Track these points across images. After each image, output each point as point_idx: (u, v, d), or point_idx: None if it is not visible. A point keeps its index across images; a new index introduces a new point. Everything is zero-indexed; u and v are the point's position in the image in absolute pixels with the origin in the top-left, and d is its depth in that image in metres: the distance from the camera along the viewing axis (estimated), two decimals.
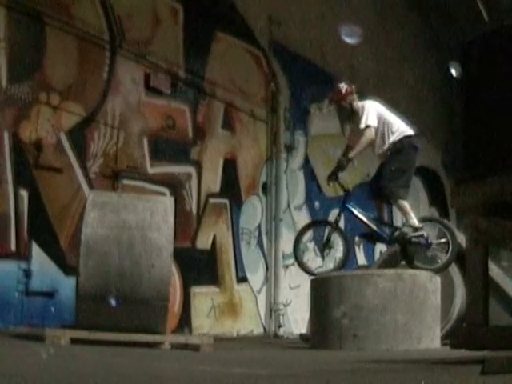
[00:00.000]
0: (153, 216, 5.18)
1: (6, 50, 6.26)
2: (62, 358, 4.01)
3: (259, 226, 9.20)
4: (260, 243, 9.15)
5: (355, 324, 5.67)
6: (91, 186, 6.77)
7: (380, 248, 11.37)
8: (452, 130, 12.61)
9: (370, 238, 7.03)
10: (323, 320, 5.93)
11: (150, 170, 7.57)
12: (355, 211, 6.58)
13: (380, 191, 6.42)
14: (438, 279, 6.04)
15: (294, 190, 9.85)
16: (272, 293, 9.11)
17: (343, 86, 6.71)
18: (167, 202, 5.52)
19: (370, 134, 6.39)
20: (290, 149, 9.75)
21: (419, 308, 5.76)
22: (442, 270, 6.44)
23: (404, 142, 6.48)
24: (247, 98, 9.16)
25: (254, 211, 9.15)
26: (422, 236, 6.40)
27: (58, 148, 6.67)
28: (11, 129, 6.25)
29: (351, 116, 6.66)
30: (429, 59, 13.09)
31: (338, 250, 8.54)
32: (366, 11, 11.41)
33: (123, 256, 4.99)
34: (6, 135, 6.21)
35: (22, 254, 6.22)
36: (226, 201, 8.69)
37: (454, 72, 11.41)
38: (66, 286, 6.27)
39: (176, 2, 8.21)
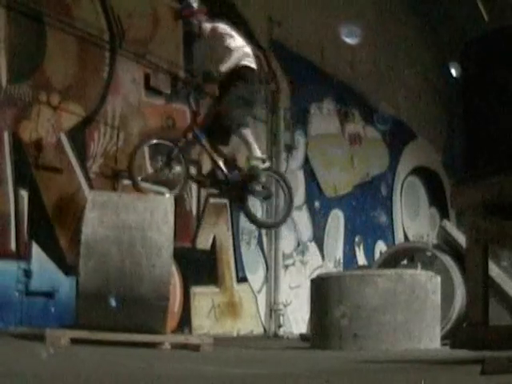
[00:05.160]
0: (153, 216, 5.18)
1: (6, 50, 6.26)
2: (62, 358, 4.01)
3: None
4: (260, 243, 9.14)
5: (355, 324, 5.67)
6: (91, 186, 6.76)
7: (380, 248, 11.39)
8: (452, 130, 12.62)
9: (212, 179, 6.62)
10: (323, 320, 5.93)
11: (150, 170, 7.57)
12: (203, 141, 6.29)
13: (224, 118, 6.20)
14: (438, 279, 6.04)
15: (294, 189, 9.81)
16: (272, 293, 9.11)
17: (195, 1, 6.39)
18: (167, 202, 5.52)
19: (239, 52, 6.19)
20: (290, 149, 9.74)
21: (419, 308, 5.76)
22: (278, 226, 6.48)
23: (248, 72, 6.32)
24: None
25: (253, 211, 9.13)
26: (269, 169, 6.39)
27: (58, 148, 6.66)
28: (11, 129, 6.25)
29: (200, 36, 6.38)
30: (429, 59, 13.10)
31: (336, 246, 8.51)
32: (366, 11, 11.41)
33: (123, 256, 5.00)
34: (5, 135, 6.20)
35: (22, 254, 6.21)
36: (226, 201, 8.68)
37: (453, 72, 11.41)
38: (66, 285, 6.26)
39: (176, 2, 8.21)
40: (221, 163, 6.32)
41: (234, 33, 6.33)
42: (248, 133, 6.27)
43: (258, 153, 6.31)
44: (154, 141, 6.37)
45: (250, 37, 9.23)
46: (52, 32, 6.68)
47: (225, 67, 6.16)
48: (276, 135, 9.47)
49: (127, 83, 7.45)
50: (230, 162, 6.41)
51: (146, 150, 7.21)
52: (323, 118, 10.59)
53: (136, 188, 6.07)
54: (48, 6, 6.66)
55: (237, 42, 6.27)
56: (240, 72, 6.24)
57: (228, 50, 6.17)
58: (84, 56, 7.00)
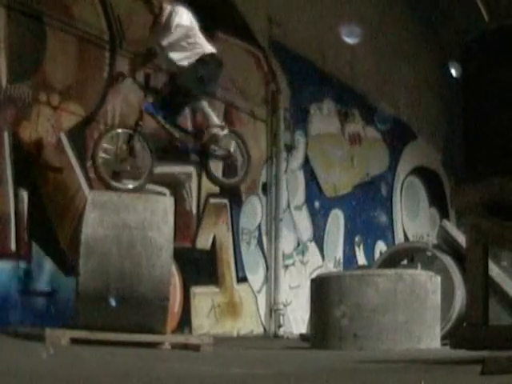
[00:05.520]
0: (153, 216, 5.18)
1: (6, 50, 6.26)
2: (62, 357, 4.01)
3: (259, 226, 9.20)
4: (260, 243, 9.15)
5: (355, 324, 5.67)
6: (91, 186, 6.76)
7: (380, 248, 11.39)
8: (452, 130, 12.60)
9: (169, 151, 6.60)
10: (323, 320, 5.93)
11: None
12: (159, 116, 6.16)
13: (181, 95, 6.22)
14: (438, 279, 6.04)
15: (294, 190, 9.84)
16: (272, 293, 9.11)
17: None
18: (167, 202, 5.52)
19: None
20: (290, 149, 9.74)
21: (419, 308, 5.76)
22: (238, 184, 6.58)
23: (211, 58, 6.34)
24: (247, 98, 9.16)
25: (253, 211, 9.14)
26: (228, 135, 6.47)
27: (58, 148, 6.66)
28: (11, 129, 6.25)
29: (158, 16, 6.28)
30: (429, 59, 13.09)
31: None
32: (366, 11, 11.40)
33: (123, 256, 5.00)
34: (6, 135, 6.21)
35: (22, 254, 6.21)
36: (226, 201, 8.69)
37: (453, 72, 11.41)
38: (66, 285, 6.26)
39: (176, 2, 8.20)
40: (177, 135, 6.26)
41: (186, 15, 6.25)
42: (205, 104, 6.39)
43: (216, 121, 6.42)
44: (119, 130, 6.25)
45: (250, 37, 9.26)
46: (52, 32, 6.68)
47: (166, 41, 6.06)
48: (276, 135, 9.47)
49: (127, 83, 7.44)
50: (190, 133, 6.54)
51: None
52: (323, 118, 10.59)
53: (99, 178, 5.90)
54: (48, 5, 6.66)
55: (184, 21, 6.20)
56: (202, 59, 6.23)
57: (173, 26, 6.08)
58: (84, 56, 7.00)
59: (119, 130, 6.23)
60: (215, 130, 6.40)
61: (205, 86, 6.39)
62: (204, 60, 6.26)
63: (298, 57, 9.97)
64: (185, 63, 6.21)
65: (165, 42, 6.07)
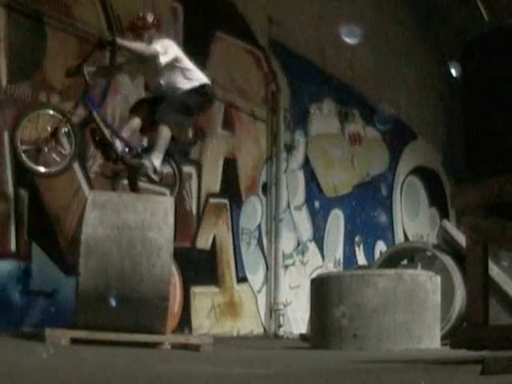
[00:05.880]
0: (153, 216, 5.18)
1: (6, 50, 6.26)
2: (62, 357, 4.01)
3: (259, 226, 9.20)
4: (260, 243, 9.15)
5: (355, 324, 5.67)
6: (91, 186, 6.76)
7: (380, 248, 11.39)
8: (452, 130, 12.61)
9: (102, 147, 6.01)
10: (323, 320, 5.93)
11: None
12: (94, 112, 5.79)
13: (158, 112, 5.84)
14: (438, 279, 6.04)
15: (294, 189, 9.85)
16: (272, 293, 9.11)
17: (151, 16, 6.04)
18: (167, 201, 5.52)
19: (150, 49, 5.73)
20: (290, 149, 9.74)
21: (419, 308, 5.76)
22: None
23: (202, 90, 6.02)
24: (247, 98, 9.16)
25: (253, 211, 9.15)
26: (154, 181, 6.00)
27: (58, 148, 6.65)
28: (11, 129, 6.24)
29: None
30: (429, 59, 13.09)
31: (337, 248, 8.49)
32: (366, 11, 11.40)
33: (123, 256, 5.00)
34: (5, 135, 6.20)
35: (22, 254, 6.21)
36: (226, 201, 8.69)
37: (453, 72, 11.42)
38: (66, 285, 6.26)
39: (176, 2, 8.21)
40: (109, 137, 5.82)
41: (173, 49, 5.94)
42: (165, 133, 5.86)
43: (157, 162, 5.90)
44: (49, 111, 5.75)
45: (250, 37, 9.26)
46: (52, 32, 6.68)
47: (120, 40, 5.71)
48: (276, 135, 9.48)
49: (127, 83, 7.45)
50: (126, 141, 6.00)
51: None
52: (323, 118, 10.59)
53: (20, 159, 5.52)
54: (48, 5, 6.66)
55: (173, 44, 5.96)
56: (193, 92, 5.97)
57: (165, 45, 5.82)
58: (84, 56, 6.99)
59: (51, 112, 5.74)
60: (147, 164, 5.85)
61: (188, 117, 6.09)
62: (197, 91, 5.97)
63: (298, 57, 9.97)
64: (186, 86, 5.92)
65: (119, 41, 5.70)
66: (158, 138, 5.87)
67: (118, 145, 5.85)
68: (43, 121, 5.81)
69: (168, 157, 6.10)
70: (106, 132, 5.82)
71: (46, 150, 5.55)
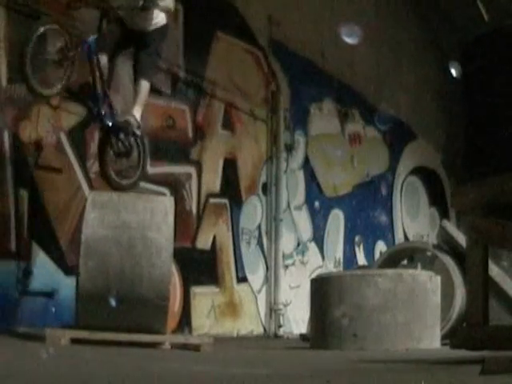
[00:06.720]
0: (153, 216, 5.19)
1: (6, 50, 6.26)
2: (62, 357, 4.01)
3: (259, 226, 9.20)
4: (260, 243, 9.15)
5: (355, 324, 5.67)
6: (91, 186, 6.76)
7: (380, 248, 11.39)
8: (452, 130, 12.60)
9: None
10: (323, 320, 5.93)
11: (150, 170, 7.56)
12: (94, 58, 5.62)
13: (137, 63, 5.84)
14: (438, 279, 6.04)
15: (294, 189, 9.84)
16: (272, 293, 9.11)
17: None
18: (167, 202, 5.52)
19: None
20: (290, 149, 9.74)
21: (419, 308, 5.76)
22: (131, 187, 5.91)
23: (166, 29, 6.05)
24: (247, 98, 9.15)
25: (254, 211, 9.14)
26: (138, 137, 5.90)
27: (58, 148, 6.66)
28: (11, 129, 6.25)
29: None
30: (429, 59, 13.09)
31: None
32: (366, 11, 11.41)
33: (123, 256, 5.00)
34: (5, 135, 6.21)
35: (22, 254, 6.21)
36: (226, 201, 8.69)
37: (453, 72, 11.41)
38: (66, 285, 6.27)
39: (176, 2, 8.20)
40: (99, 90, 5.73)
41: None
42: (145, 88, 5.85)
43: (138, 115, 5.81)
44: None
45: (250, 37, 9.26)
46: None
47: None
48: (276, 135, 9.47)
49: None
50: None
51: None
52: (323, 118, 10.59)
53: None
54: (48, 6, 6.65)
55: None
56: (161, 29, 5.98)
57: None
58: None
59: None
60: (132, 120, 5.77)
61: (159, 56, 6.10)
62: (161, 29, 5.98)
63: (297, 57, 9.97)
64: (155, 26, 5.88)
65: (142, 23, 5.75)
66: (140, 92, 5.84)
67: (106, 109, 5.75)
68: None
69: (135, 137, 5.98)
70: (99, 84, 5.70)
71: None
